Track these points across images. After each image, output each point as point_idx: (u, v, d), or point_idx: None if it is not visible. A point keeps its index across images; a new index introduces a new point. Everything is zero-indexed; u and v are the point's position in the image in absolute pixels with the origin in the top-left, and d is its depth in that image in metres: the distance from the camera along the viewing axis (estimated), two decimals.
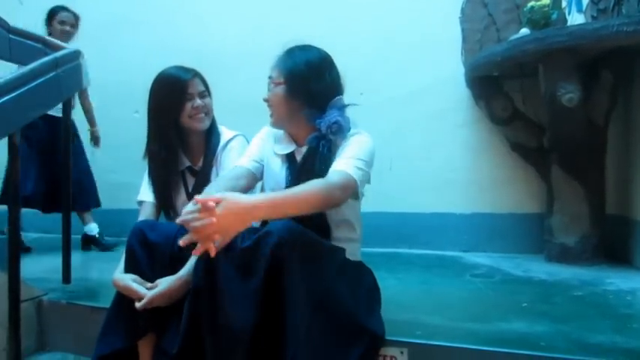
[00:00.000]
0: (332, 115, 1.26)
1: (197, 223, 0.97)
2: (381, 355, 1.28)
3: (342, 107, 1.29)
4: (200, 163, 1.56)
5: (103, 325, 1.32)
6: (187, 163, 1.58)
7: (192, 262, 1.27)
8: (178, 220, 1.01)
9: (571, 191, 2.23)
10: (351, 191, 1.18)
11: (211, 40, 2.89)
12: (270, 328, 1.05)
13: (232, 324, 1.05)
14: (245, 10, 2.97)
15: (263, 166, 1.40)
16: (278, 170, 1.36)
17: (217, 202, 0.98)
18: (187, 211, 1.00)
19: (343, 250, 1.22)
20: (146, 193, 1.56)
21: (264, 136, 1.44)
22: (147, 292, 1.25)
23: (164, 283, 1.26)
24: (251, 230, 1.14)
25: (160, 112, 1.53)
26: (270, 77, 1.33)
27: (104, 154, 3.00)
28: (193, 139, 1.57)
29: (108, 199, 2.73)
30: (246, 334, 1.04)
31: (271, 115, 1.34)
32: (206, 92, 1.57)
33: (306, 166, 1.29)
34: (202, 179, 1.52)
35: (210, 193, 1.10)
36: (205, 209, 0.98)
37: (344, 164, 1.19)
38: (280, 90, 1.29)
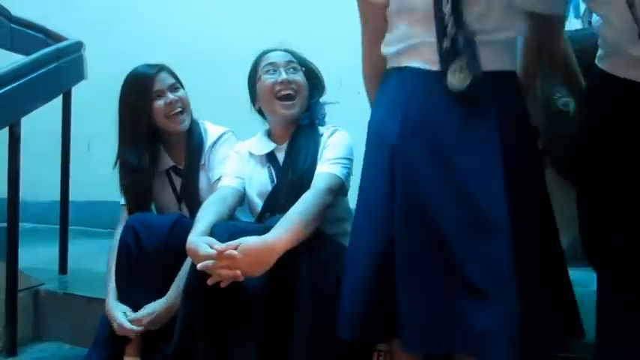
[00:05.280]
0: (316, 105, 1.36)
1: (223, 272, 0.99)
2: (376, 351, 1.30)
3: (318, 100, 1.38)
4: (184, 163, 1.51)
5: (94, 341, 1.36)
6: (171, 163, 1.52)
7: (177, 283, 1.27)
8: (199, 267, 1.01)
9: (564, 193, 2.25)
10: (338, 190, 1.23)
11: (209, 34, 2.87)
12: (276, 324, 1.07)
13: (238, 321, 1.06)
14: (245, 3, 2.97)
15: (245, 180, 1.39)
16: (260, 173, 1.36)
17: (234, 248, 1.00)
18: (206, 254, 1.01)
19: (345, 247, 1.23)
20: None
21: (239, 149, 1.43)
22: (132, 328, 1.27)
23: (149, 308, 1.27)
24: (251, 226, 1.16)
25: (132, 114, 1.46)
26: (289, 61, 1.33)
27: (99, 146, 2.98)
28: (174, 138, 1.51)
29: (102, 191, 2.73)
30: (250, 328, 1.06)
31: (295, 99, 1.31)
32: (177, 84, 1.48)
33: (290, 161, 1.30)
34: (188, 179, 1.49)
35: (201, 220, 1.13)
36: (226, 258, 0.99)
37: (329, 167, 1.23)
38: (302, 76, 1.33)
